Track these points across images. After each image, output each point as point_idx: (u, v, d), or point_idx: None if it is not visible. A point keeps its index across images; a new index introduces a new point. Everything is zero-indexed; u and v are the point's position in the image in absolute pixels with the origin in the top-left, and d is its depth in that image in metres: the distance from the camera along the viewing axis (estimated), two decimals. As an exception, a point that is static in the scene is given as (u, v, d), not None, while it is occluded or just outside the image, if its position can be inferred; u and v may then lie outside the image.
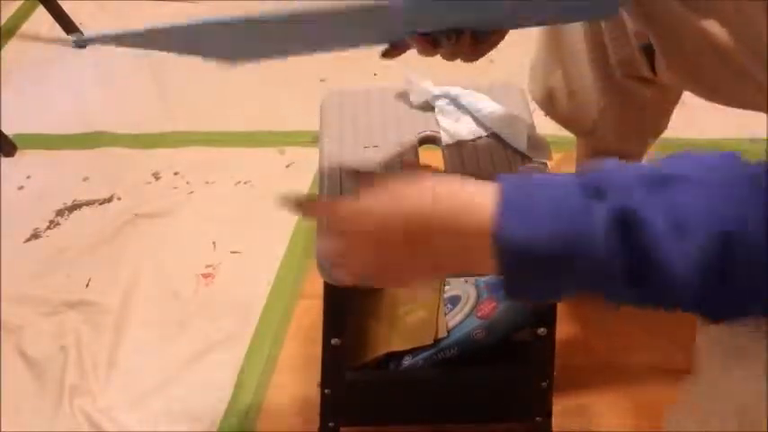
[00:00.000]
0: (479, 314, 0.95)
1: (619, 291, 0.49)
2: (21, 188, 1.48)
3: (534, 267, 0.49)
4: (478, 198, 0.51)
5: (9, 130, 1.55)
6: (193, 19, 0.62)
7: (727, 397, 0.54)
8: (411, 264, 0.55)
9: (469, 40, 0.70)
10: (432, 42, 0.70)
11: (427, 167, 0.64)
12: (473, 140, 0.88)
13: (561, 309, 0.87)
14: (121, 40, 0.66)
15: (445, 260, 0.54)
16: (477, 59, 0.74)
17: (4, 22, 1.92)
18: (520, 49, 1.02)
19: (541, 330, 0.87)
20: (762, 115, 0.80)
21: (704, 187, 0.46)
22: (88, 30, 1.83)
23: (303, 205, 0.64)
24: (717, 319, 0.49)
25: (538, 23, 0.76)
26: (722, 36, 0.77)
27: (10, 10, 1.96)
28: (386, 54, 0.75)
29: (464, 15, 0.66)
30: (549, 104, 1.07)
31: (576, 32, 0.98)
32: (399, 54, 0.75)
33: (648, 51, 0.90)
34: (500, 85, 0.96)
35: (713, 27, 0.77)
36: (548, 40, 1.04)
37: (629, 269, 0.47)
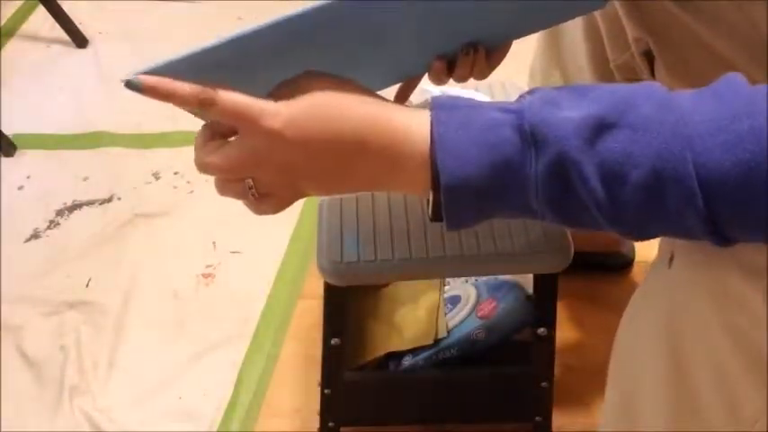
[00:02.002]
0: (479, 314, 0.95)
1: (550, 221, 0.52)
2: (21, 188, 1.47)
3: (469, 204, 0.51)
4: (415, 127, 0.52)
5: (9, 130, 1.55)
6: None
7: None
8: (336, 184, 0.55)
9: (484, 54, 0.70)
10: (447, 64, 0.69)
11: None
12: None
13: (561, 309, 0.87)
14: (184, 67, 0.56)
15: (373, 183, 0.55)
16: (488, 75, 0.74)
17: (4, 22, 1.92)
18: (519, 49, 1.01)
19: (541, 330, 0.87)
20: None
21: (634, 130, 0.48)
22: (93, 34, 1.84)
23: (201, 98, 0.52)
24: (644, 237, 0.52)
25: (532, 27, 0.75)
26: (725, 43, 0.77)
27: (10, 10, 1.96)
28: (398, 99, 0.74)
29: (476, 24, 0.65)
30: None
31: (574, 34, 0.98)
32: (411, 92, 0.74)
33: (648, 56, 0.89)
34: (500, 83, 0.96)
35: (715, 34, 0.77)
36: (547, 41, 1.04)
37: (564, 216, 0.50)
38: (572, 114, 0.49)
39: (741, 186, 0.45)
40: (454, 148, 0.50)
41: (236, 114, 0.52)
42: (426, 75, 0.75)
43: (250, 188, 0.55)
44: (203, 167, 0.55)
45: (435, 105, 0.52)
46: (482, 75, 0.72)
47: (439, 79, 0.70)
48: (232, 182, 0.55)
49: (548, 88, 0.52)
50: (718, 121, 0.46)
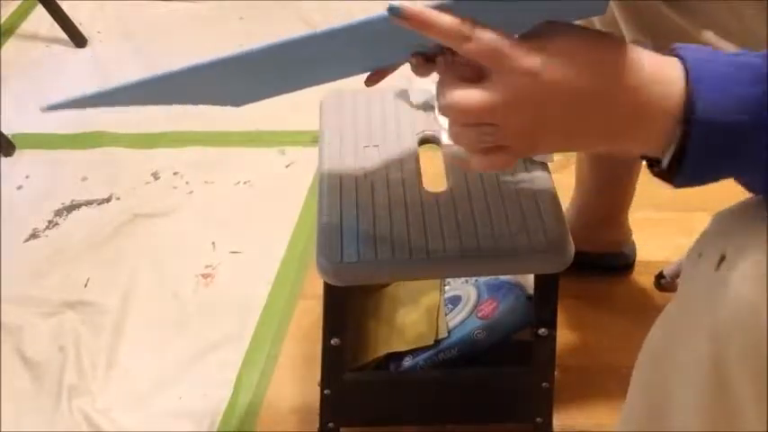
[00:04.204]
0: (480, 314, 0.95)
1: None
2: (20, 188, 1.47)
3: (717, 146, 0.49)
4: (668, 69, 0.50)
5: (8, 130, 1.55)
6: (170, 70, 0.56)
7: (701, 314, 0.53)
8: (580, 135, 0.53)
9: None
10: (426, 60, 0.69)
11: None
12: (473, 140, 0.88)
13: (561, 309, 0.87)
14: (94, 102, 0.60)
15: (617, 133, 0.52)
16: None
17: (3, 21, 1.92)
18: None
19: (542, 331, 0.86)
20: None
21: None
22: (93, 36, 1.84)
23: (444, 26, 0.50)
24: None
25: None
26: (722, 47, 0.77)
27: (9, 9, 1.96)
28: (369, 80, 0.74)
29: None
30: None
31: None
32: (383, 78, 0.74)
33: None
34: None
35: (712, 38, 0.77)
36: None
37: None
38: None
39: None
40: (712, 81, 0.48)
41: (493, 51, 0.50)
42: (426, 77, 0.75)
43: (486, 135, 0.52)
44: (451, 108, 0.52)
45: (682, 49, 0.50)
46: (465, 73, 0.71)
47: (420, 72, 0.69)
48: (471, 127, 0.52)
49: None
50: None
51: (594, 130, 0.52)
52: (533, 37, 0.51)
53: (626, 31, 0.87)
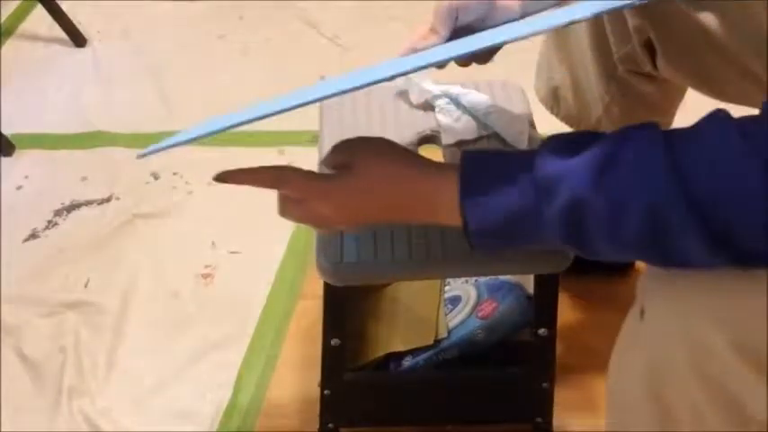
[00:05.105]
0: (480, 315, 0.95)
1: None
2: (19, 188, 1.47)
3: (494, 246, 0.62)
4: (441, 194, 0.61)
5: (8, 130, 1.55)
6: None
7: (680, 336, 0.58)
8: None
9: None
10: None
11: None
12: (473, 140, 0.88)
13: (561, 309, 0.87)
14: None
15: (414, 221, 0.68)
16: (489, 61, 0.76)
17: (2, 21, 1.92)
18: (520, 48, 1.01)
19: (542, 331, 0.86)
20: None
21: (634, 165, 0.53)
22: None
23: (273, 175, 0.69)
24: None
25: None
26: (722, 32, 0.77)
27: (9, 9, 1.96)
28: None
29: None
30: (554, 102, 1.07)
31: (579, 28, 0.98)
32: None
33: (649, 47, 0.90)
34: (500, 83, 0.96)
35: (713, 23, 0.77)
36: (552, 38, 1.04)
37: (579, 250, 0.58)
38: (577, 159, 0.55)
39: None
40: (478, 205, 0.59)
41: (299, 190, 0.68)
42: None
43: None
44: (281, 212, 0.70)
45: (463, 164, 0.60)
46: (482, 62, 0.77)
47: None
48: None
49: (561, 140, 0.58)
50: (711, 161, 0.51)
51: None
52: (340, 163, 0.67)
53: (629, 14, 0.87)
